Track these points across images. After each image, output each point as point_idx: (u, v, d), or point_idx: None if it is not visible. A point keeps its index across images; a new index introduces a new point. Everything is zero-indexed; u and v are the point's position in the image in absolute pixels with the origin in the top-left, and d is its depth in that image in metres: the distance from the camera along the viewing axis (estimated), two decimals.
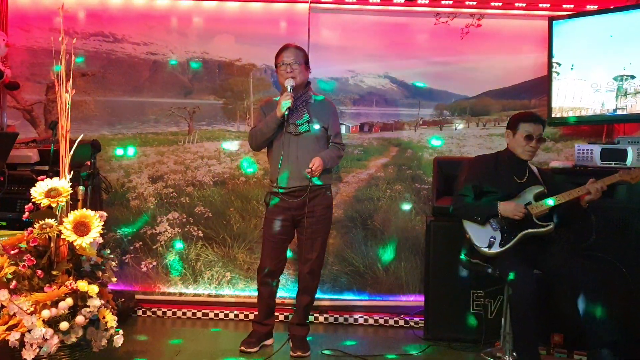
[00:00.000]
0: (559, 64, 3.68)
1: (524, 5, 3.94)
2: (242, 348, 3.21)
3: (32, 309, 2.12)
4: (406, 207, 4.01)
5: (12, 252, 2.23)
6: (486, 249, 2.88)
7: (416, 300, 3.92)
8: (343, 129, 4.02)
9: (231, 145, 4.08)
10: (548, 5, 3.92)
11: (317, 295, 3.35)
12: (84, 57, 3.99)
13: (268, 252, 3.21)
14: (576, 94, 3.63)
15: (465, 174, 3.08)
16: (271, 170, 3.25)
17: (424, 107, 4.06)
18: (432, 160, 3.76)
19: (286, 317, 3.79)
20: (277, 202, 3.15)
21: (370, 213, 4.03)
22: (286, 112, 3.02)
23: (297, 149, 3.11)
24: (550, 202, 2.90)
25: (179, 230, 4.04)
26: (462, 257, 3.08)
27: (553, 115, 3.70)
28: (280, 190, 3.13)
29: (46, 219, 2.22)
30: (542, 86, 3.85)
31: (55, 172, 2.58)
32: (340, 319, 3.87)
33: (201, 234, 4.04)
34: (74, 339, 2.14)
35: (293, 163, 3.10)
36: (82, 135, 2.48)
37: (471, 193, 3.01)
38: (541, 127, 3.00)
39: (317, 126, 3.15)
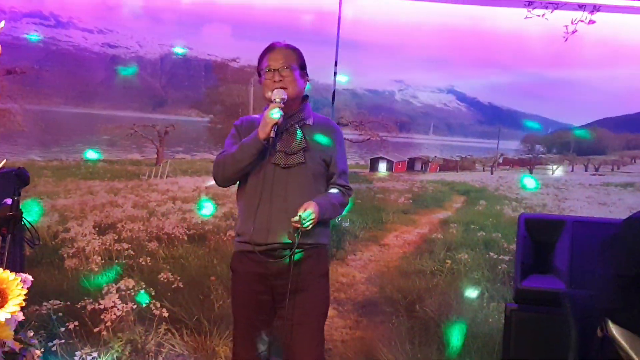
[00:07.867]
0: None
1: None
2: None
3: None
4: (475, 287, 3.99)
5: None
6: None
7: None
8: (383, 166, 4.04)
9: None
10: None
11: None
12: (11, 46, 4.04)
13: (241, 338, 3.13)
14: None
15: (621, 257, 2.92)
16: (242, 217, 3.07)
17: (506, 138, 4.08)
18: (516, 219, 3.71)
19: None
20: (250, 266, 3.02)
21: (419, 294, 4.00)
22: (273, 133, 2.89)
23: (284, 189, 2.99)
24: None
25: (134, 307, 4.04)
26: None
27: None
28: (255, 248, 3.00)
29: None
30: None
31: None
32: None
33: (166, 314, 4.03)
34: None
35: (277, 208, 2.99)
36: (4, 161, 2.52)
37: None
38: None
39: (315, 157, 3.06)
